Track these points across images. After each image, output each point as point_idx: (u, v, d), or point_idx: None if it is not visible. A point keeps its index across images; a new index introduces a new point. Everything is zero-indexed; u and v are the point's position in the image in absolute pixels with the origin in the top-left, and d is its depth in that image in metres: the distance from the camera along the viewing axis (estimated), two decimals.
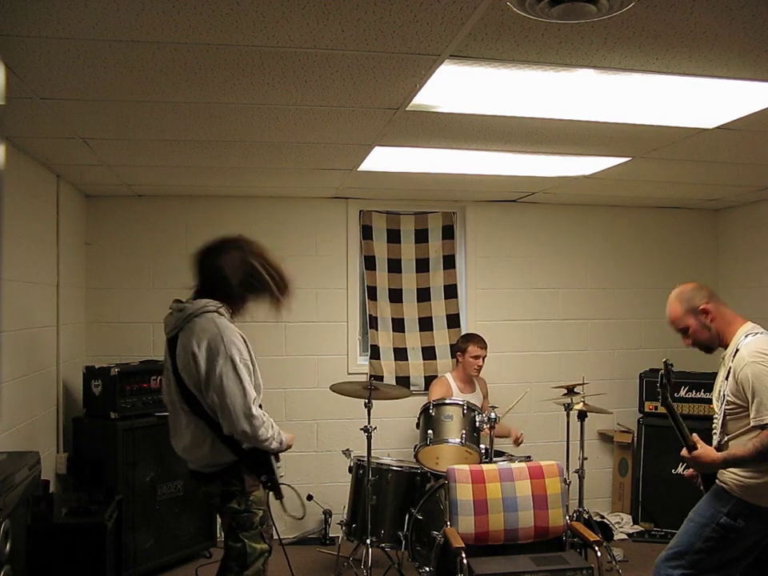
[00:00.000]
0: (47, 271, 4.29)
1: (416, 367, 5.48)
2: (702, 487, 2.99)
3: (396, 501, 4.36)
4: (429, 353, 5.52)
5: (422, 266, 5.58)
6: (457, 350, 5.08)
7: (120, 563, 3.84)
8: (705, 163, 4.18)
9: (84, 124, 3.28)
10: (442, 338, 5.54)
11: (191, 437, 2.82)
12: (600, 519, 5.26)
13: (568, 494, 4.15)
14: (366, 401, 4.27)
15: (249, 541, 2.77)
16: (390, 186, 5.05)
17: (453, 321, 5.57)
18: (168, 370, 2.88)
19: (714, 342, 2.93)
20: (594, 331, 5.80)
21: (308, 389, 5.35)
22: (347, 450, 4.57)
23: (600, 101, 2.95)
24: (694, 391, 5.21)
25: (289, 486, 2.93)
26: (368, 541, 4.19)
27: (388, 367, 5.43)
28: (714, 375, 3.01)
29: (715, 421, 2.92)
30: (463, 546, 3.34)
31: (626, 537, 5.27)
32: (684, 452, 2.80)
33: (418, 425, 4.60)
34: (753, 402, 2.67)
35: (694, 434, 2.78)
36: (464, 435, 4.34)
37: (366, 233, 5.51)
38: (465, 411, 4.41)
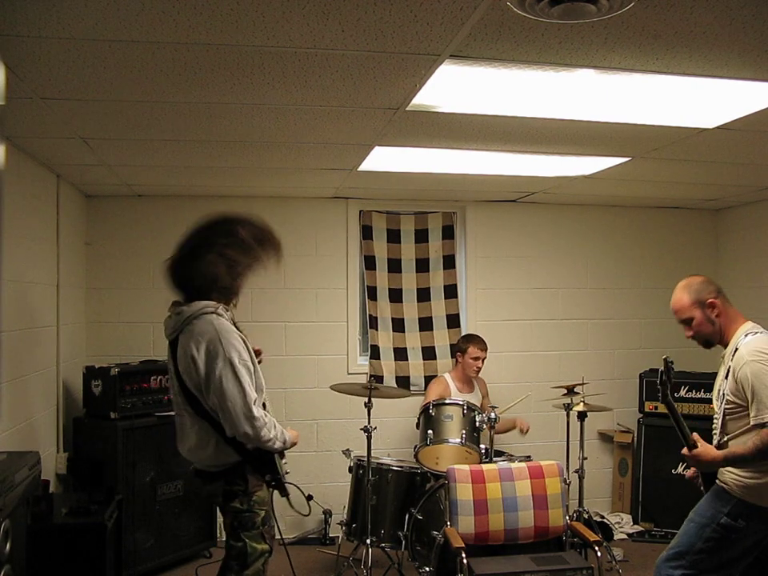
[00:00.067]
0: (47, 271, 4.28)
1: (416, 367, 5.48)
2: (702, 487, 2.99)
3: (396, 501, 4.36)
4: (429, 353, 5.52)
5: (422, 265, 5.58)
6: (457, 350, 5.08)
7: (120, 563, 3.84)
8: (705, 163, 4.18)
9: (84, 124, 3.28)
10: (442, 338, 5.54)
11: (196, 438, 2.82)
12: (600, 519, 5.25)
13: (568, 493, 4.15)
14: (366, 400, 4.27)
15: (250, 541, 2.77)
16: (389, 186, 5.05)
17: (453, 321, 5.57)
18: (171, 372, 2.88)
19: (715, 338, 2.92)
20: (594, 331, 5.80)
21: (308, 389, 5.35)
22: (347, 449, 4.57)
23: (600, 101, 2.95)
24: (693, 391, 5.21)
25: (293, 484, 2.92)
26: (368, 541, 4.19)
27: (388, 367, 5.42)
28: (714, 375, 3.01)
29: (715, 420, 2.91)
30: (463, 545, 3.34)
31: (625, 537, 5.27)
32: (685, 450, 2.80)
33: (417, 425, 4.60)
34: (752, 401, 2.67)
35: (695, 433, 2.78)
36: (464, 435, 4.34)
37: (366, 233, 5.51)
38: (465, 411, 4.42)
